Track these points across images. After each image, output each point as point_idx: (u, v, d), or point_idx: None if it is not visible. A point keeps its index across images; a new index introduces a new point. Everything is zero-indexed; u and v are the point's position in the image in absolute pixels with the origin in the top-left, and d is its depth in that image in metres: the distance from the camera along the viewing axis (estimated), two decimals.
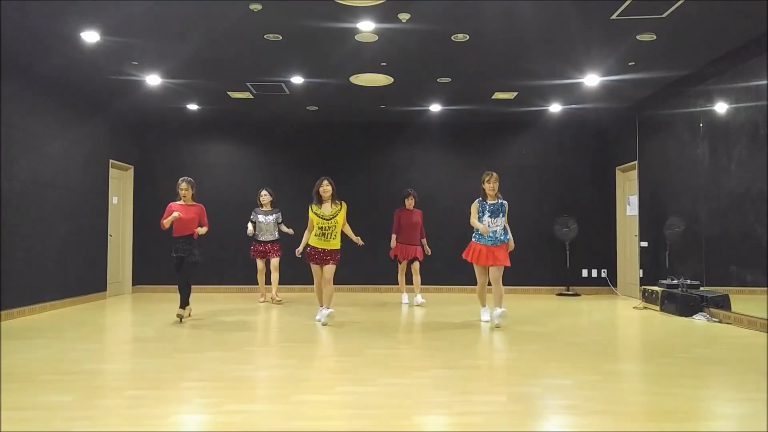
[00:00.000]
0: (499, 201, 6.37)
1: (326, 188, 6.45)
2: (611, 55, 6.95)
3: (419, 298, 8.36)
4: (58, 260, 7.96)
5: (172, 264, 6.77)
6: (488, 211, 6.32)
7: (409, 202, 8.38)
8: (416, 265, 8.37)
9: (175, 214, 6.51)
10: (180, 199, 6.79)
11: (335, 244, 6.48)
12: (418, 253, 8.36)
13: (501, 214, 6.34)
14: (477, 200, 6.44)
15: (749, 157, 6.53)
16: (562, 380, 3.99)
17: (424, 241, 8.50)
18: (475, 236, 6.43)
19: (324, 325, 6.36)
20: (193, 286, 10.94)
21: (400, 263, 8.50)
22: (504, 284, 6.54)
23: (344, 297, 9.24)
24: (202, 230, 6.78)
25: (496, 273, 6.34)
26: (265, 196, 8.58)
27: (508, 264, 6.35)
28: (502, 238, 6.33)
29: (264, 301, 8.65)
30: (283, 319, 6.98)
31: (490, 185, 6.35)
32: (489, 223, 6.28)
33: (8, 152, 6.92)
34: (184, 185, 6.76)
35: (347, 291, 10.09)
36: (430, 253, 8.54)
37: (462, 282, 10.02)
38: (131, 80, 7.94)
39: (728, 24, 5.97)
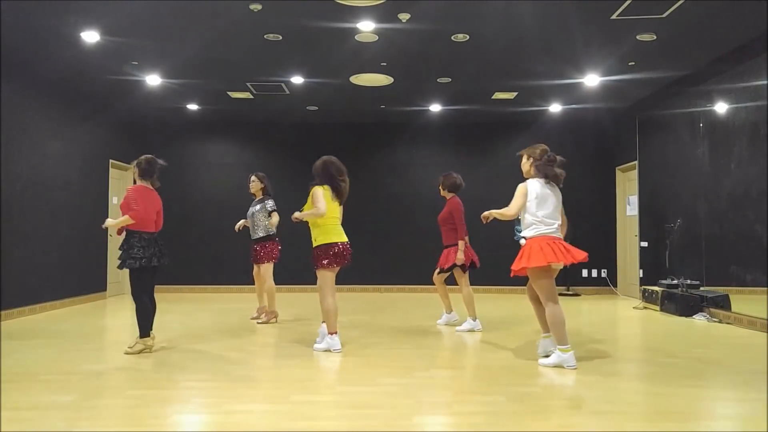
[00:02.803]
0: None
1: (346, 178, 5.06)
2: (611, 55, 6.95)
3: (469, 321, 6.08)
4: (58, 260, 7.96)
5: (135, 270, 4.77)
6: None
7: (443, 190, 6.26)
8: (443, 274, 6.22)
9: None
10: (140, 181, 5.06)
11: None
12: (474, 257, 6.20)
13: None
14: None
15: (749, 157, 6.53)
16: (562, 380, 3.99)
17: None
18: (534, 229, 4.53)
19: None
20: (191, 287, 10.91)
21: (465, 270, 6.14)
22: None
23: (344, 297, 9.24)
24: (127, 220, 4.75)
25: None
26: (253, 183, 6.83)
27: None
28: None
29: (261, 323, 6.60)
30: (283, 320, 6.97)
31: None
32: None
33: (8, 152, 6.93)
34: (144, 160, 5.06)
35: (347, 291, 10.08)
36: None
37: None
38: (131, 80, 7.94)
39: (728, 24, 5.97)
